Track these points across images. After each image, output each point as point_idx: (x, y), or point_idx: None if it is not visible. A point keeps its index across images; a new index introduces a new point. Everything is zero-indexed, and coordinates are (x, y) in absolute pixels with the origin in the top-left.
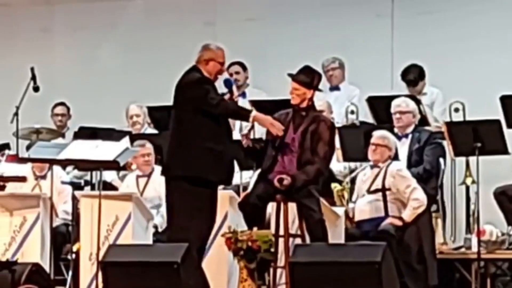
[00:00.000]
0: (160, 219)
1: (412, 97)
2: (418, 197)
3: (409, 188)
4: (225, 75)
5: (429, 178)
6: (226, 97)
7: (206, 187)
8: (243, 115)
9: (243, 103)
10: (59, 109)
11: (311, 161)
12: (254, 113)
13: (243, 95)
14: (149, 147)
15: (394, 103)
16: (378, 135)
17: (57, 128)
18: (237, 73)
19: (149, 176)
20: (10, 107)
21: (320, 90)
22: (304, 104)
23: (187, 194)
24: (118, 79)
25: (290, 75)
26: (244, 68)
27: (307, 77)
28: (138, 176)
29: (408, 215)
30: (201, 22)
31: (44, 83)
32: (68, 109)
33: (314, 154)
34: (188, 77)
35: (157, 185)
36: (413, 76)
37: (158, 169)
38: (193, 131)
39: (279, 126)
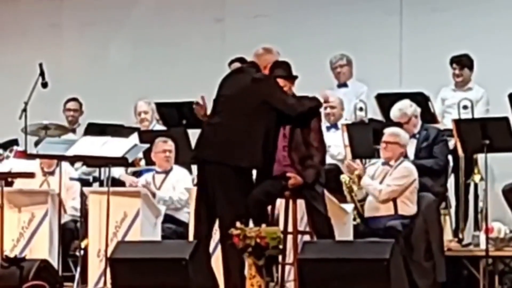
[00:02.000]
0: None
1: (421, 94)
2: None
3: (395, 179)
4: None
5: (438, 175)
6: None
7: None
8: (315, 105)
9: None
10: (72, 105)
11: (308, 155)
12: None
13: None
14: (171, 144)
15: (392, 114)
16: (389, 132)
17: (68, 124)
18: None
19: (167, 173)
20: (18, 103)
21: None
22: None
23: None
24: (127, 76)
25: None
26: (244, 62)
27: (284, 70)
28: (156, 172)
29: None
30: (210, 19)
31: (53, 79)
32: (81, 104)
33: (309, 146)
34: (255, 73)
35: (175, 182)
36: (464, 60)
37: (176, 167)
38: (250, 123)
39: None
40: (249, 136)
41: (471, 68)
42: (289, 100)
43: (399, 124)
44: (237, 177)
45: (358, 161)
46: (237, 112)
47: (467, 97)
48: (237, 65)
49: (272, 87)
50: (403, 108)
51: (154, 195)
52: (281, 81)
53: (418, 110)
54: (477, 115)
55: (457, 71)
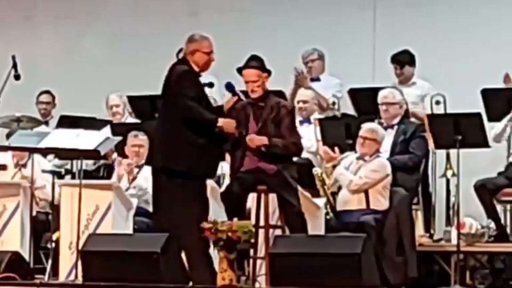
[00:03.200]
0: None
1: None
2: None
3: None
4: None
5: (413, 170)
6: (232, 100)
7: (193, 180)
8: (207, 124)
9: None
10: (44, 97)
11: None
12: (220, 121)
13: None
14: (142, 138)
15: (381, 94)
16: (367, 128)
17: (41, 116)
18: None
19: (140, 167)
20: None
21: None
22: (260, 96)
23: (174, 187)
24: (101, 69)
25: (239, 68)
26: None
27: (258, 62)
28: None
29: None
30: (185, 13)
31: (26, 72)
32: (53, 97)
33: (280, 137)
34: (175, 70)
35: (148, 175)
36: (403, 58)
37: None
38: (177, 124)
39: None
40: (166, 136)
41: (411, 64)
42: (187, 102)
43: (371, 117)
44: (170, 181)
45: (336, 149)
46: (164, 113)
47: (414, 94)
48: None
49: (182, 85)
50: (395, 92)
51: (134, 178)
52: (255, 74)
53: (405, 106)
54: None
55: (398, 71)
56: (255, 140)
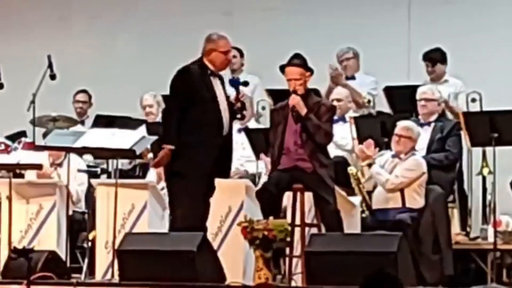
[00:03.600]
0: None
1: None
2: (390, 179)
3: (405, 171)
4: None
5: (449, 168)
6: (232, 96)
7: (188, 180)
8: (163, 136)
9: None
10: (81, 96)
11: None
12: (168, 147)
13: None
14: None
15: (420, 90)
16: (402, 125)
17: (77, 116)
18: (234, 56)
19: None
20: (27, 95)
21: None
22: (302, 92)
23: (172, 187)
24: (134, 67)
25: (282, 66)
26: (241, 53)
27: (301, 61)
28: None
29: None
30: (219, 12)
31: (61, 71)
32: (90, 96)
33: None
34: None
35: None
36: (435, 56)
37: None
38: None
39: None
40: None
41: (443, 62)
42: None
43: (407, 115)
44: (170, 181)
45: (372, 147)
46: None
47: (447, 92)
48: (233, 52)
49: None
50: (434, 89)
51: None
52: (298, 72)
53: (443, 104)
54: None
55: (429, 68)
56: (299, 103)
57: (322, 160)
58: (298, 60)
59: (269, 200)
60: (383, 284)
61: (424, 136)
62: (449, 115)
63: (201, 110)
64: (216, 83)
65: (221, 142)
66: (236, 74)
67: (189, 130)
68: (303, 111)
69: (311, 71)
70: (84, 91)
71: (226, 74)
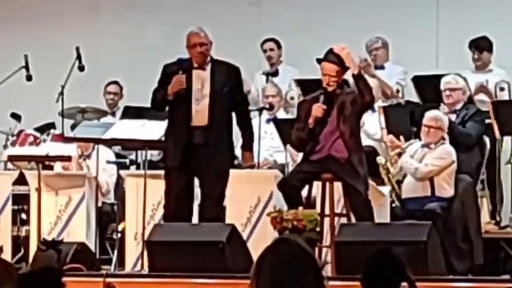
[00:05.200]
0: None
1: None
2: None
3: (434, 159)
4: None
5: (472, 149)
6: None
7: (168, 171)
8: (161, 99)
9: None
10: (112, 88)
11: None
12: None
13: (276, 72)
14: None
15: (444, 80)
16: (430, 116)
17: (108, 107)
18: (271, 49)
19: None
20: (56, 87)
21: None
22: (335, 87)
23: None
24: (164, 59)
25: (319, 59)
26: (278, 45)
27: (338, 58)
28: None
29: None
30: (247, 1)
31: (90, 63)
32: (121, 88)
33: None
34: None
35: None
36: (482, 43)
37: None
38: None
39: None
40: None
41: (490, 50)
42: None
43: (436, 104)
44: None
45: (402, 138)
46: None
47: (492, 80)
48: (270, 44)
49: None
50: (458, 78)
51: None
52: (334, 69)
53: (468, 92)
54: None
55: (476, 55)
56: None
57: (355, 146)
58: (336, 58)
59: (288, 191)
60: (385, 266)
61: None
62: (478, 103)
63: (173, 104)
64: (199, 76)
65: (186, 136)
66: (275, 66)
67: (167, 125)
68: (355, 70)
69: (347, 69)
70: (115, 82)
71: (265, 67)
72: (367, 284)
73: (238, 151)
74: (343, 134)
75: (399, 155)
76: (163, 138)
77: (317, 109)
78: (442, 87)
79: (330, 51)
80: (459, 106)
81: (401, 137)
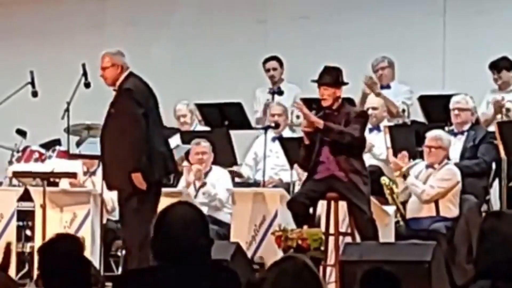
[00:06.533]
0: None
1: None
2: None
3: (439, 181)
4: None
5: (481, 175)
6: None
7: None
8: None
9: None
10: None
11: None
12: None
13: (279, 90)
14: (204, 145)
15: (454, 99)
16: (431, 136)
17: None
18: (274, 69)
19: (206, 174)
20: (61, 103)
21: (345, 84)
22: (335, 105)
23: None
24: (169, 76)
25: (314, 81)
26: (280, 63)
27: (332, 77)
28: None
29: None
30: (253, 20)
31: (96, 79)
32: None
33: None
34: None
35: (214, 181)
36: (501, 63)
37: (216, 168)
38: None
39: None
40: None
41: (509, 69)
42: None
43: (442, 124)
44: None
45: (405, 152)
46: None
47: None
48: (272, 63)
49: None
50: (468, 99)
51: (204, 184)
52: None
53: (477, 114)
54: None
55: (495, 76)
56: (311, 118)
57: (356, 167)
58: (329, 77)
59: (299, 210)
60: (380, 281)
61: (458, 145)
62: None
63: None
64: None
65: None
66: (277, 84)
67: None
68: (320, 124)
69: (341, 85)
70: None
71: (268, 84)
72: None
73: (242, 169)
74: (339, 161)
75: (404, 176)
76: None
77: (307, 124)
78: (451, 106)
79: (324, 70)
80: (466, 127)
81: (404, 152)
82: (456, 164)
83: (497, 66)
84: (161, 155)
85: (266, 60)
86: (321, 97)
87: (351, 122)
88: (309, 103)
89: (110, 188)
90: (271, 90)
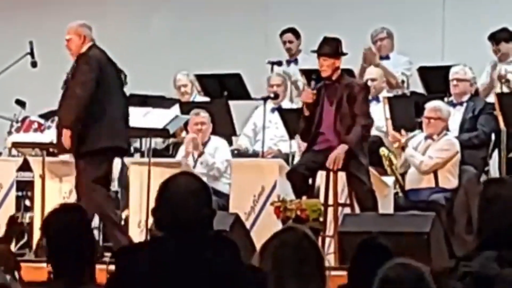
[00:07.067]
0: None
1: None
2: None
3: (438, 151)
4: None
5: (480, 147)
6: None
7: None
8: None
9: (294, 69)
10: None
11: (352, 125)
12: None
13: (295, 61)
14: (203, 115)
15: (453, 70)
16: (430, 107)
17: None
18: (290, 42)
19: (204, 144)
20: (61, 73)
21: (345, 54)
22: (334, 76)
23: None
24: (169, 47)
25: (314, 51)
26: (297, 36)
27: (331, 47)
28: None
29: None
30: None
31: None
32: (125, 76)
33: (354, 116)
34: None
35: (213, 151)
36: (500, 35)
37: (214, 138)
38: None
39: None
40: None
41: (508, 40)
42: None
43: (441, 95)
44: None
45: (403, 131)
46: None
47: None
48: (288, 36)
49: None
50: (467, 69)
51: (202, 153)
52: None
53: (476, 85)
54: None
55: (494, 47)
56: (337, 160)
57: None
58: (329, 47)
59: (299, 181)
60: (373, 253)
61: (457, 116)
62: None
63: None
64: None
65: None
66: (294, 56)
67: None
68: (341, 155)
69: (341, 56)
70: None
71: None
72: (355, 271)
73: (240, 140)
74: (339, 133)
75: (402, 148)
76: (168, 127)
77: (306, 95)
78: (450, 76)
79: (324, 41)
80: (465, 98)
81: (402, 131)
82: (455, 138)
83: (495, 37)
84: (113, 125)
85: (283, 33)
86: (320, 67)
87: (356, 99)
88: (309, 73)
89: (60, 152)
90: (270, 61)
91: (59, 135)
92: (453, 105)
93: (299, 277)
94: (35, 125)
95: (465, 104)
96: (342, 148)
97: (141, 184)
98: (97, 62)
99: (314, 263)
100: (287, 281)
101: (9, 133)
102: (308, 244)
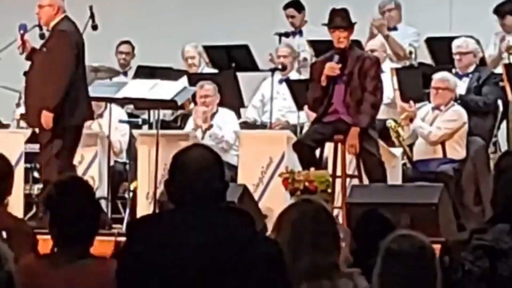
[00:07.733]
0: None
1: (471, 38)
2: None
3: (446, 122)
4: None
5: (487, 114)
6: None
7: None
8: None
9: (299, 40)
10: (124, 47)
11: (362, 99)
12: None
13: (300, 33)
14: (207, 87)
15: (455, 43)
16: (438, 77)
17: (120, 67)
18: (292, 16)
19: (211, 116)
20: None
21: (355, 23)
22: (346, 45)
23: None
24: (177, 18)
25: (325, 24)
26: (299, 9)
27: (345, 19)
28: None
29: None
30: None
31: (103, 22)
32: (133, 47)
33: (364, 91)
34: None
35: (221, 123)
36: (503, 8)
37: (222, 110)
38: None
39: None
40: None
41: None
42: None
43: (448, 66)
44: None
45: (412, 102)
46: None
47: None
48: (290, 11)
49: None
50: (469, 41)
51: (211, 126)
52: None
53: (480, 53)
54: None
55: (499, 21)
56: (354, 148)
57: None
58: (342, 19)
59: (304, 152)
60: (375, 224)
61: (463, 86)
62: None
63: None
64: None
65: None
66: (299, 29)
67: None
68: (355, 137)
69: (353, 26)
70: (127, 42)
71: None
72: (356, 242)
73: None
74: (349, 106)
75: (410, 119)
76: (176, 98)
77: (331, 69)
78: (453, 50)
79: (334, 12)
80: (471, 69)
81: (411, 102)
82: (461, 98)
83: (500, 11)
84: (85, 99)
85: (285, 7)
86: (337, 39)
87: (367, 73)
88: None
89: (30, 125)
90: (277, 33)
91: (32, 110)
92: (459, 76)
93: (316, 248)
94: None
95: (470, 75)
96: (355, 133)
97: (149, 156)
98: (75, 38)
99: (331, 235)
100: (303, 252)
101: (17, 105)
102: (326, 216)
